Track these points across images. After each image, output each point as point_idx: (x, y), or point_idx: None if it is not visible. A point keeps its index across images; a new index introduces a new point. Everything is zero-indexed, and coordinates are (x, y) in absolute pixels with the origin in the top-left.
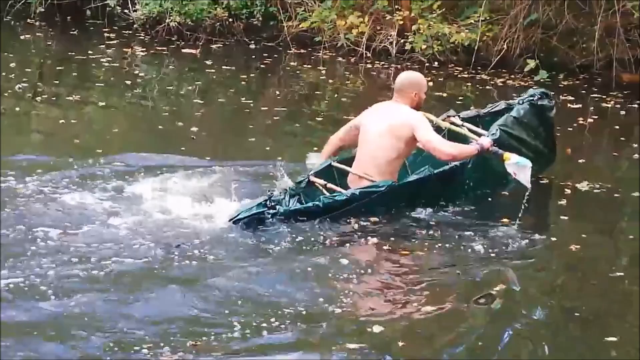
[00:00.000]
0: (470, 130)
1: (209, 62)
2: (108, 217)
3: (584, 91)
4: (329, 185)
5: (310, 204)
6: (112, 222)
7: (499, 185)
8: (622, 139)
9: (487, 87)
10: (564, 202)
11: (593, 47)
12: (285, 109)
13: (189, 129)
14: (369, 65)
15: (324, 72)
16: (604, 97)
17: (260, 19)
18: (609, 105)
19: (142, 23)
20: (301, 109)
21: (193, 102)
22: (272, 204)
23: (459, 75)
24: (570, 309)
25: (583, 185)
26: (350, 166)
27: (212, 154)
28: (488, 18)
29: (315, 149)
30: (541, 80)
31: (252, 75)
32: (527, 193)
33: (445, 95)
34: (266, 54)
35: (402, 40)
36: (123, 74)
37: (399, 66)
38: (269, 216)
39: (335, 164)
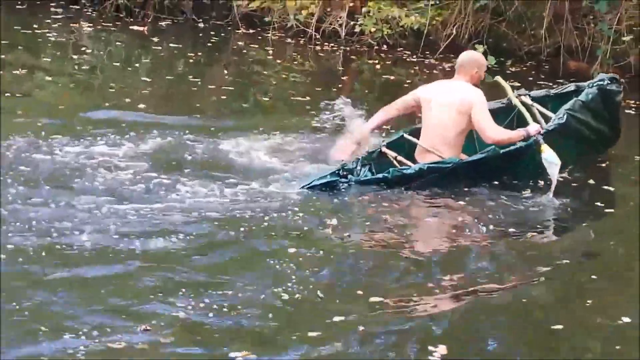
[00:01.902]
0: (539, 111)
1: (156, 40)
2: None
3: (531, 78)
4: (399, 157)
5: (380, 176)
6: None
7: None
8: None
9: (435, 71)
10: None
11: (541, 34)
12: (232, 88)
13: (136, 106)
14: (318, 47)
15: (272, 52)
16: (551, 84)
17: None
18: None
19: None
20: (248, 89)
21: (140, 79)
22: (345, 173)
23: (407, 59)
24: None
25: None
26: (419, 138)
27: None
28: (438, 2)
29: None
30: (489, 66)
31: (200, 53)
32: (554, 179)
33: (393, 78)
34: (214, 33)
35: (351, 23)
36: (70, 49)
37: (347, 48)
38: (341, 184)
39: (407, 136)
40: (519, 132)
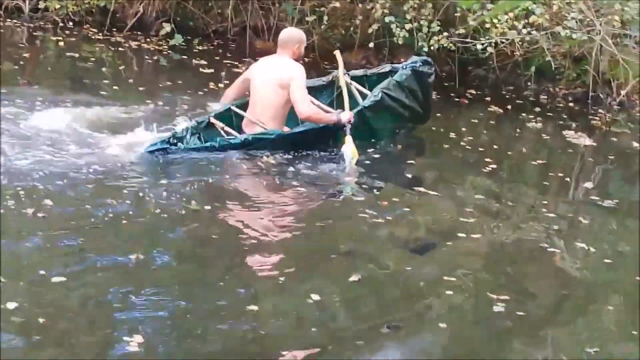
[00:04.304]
0: (357, 89)
1: None
2: None
3: (218, 57)
4: (227, 128)
5: (207, 144)
6: None
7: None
8: None
9: (122, 49)
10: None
11: (228, 13)
12: None
13: None
14: (0, 23)
15: None
16: (237, 63)
17: None
18: (240, 71)
19: None
20: None
21: None
22: (175, 141)
23: (93, 37)
24: None
25: None
26: (246, 111)
27: None
28: None
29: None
30: (176, 44)
31: None
32: (347, 170)
33: (78, 55)
34: None
35: None
36: None
37: (31, 25)
38: (172, 151)
39: (234, 108)
40: (331, 116)
